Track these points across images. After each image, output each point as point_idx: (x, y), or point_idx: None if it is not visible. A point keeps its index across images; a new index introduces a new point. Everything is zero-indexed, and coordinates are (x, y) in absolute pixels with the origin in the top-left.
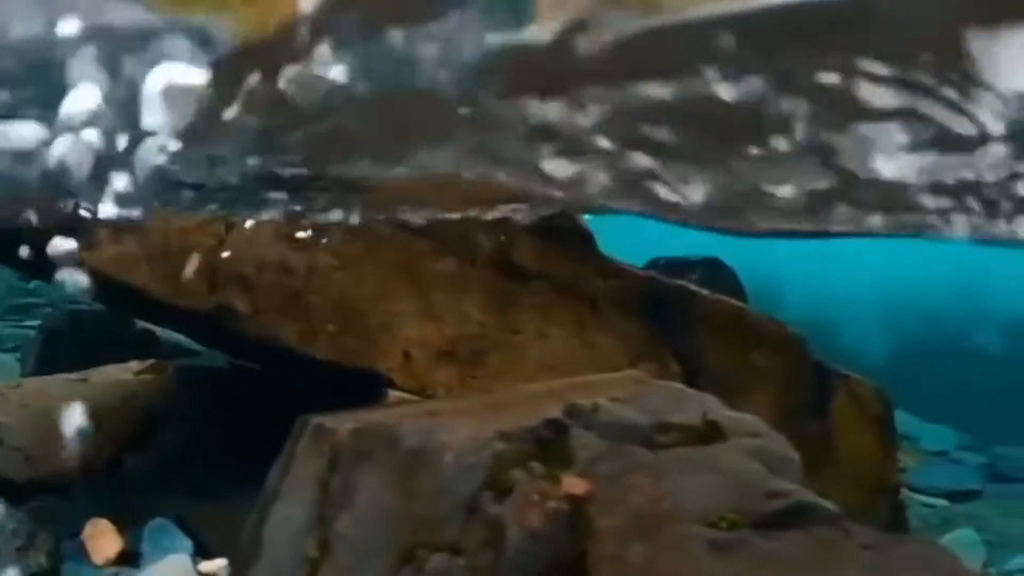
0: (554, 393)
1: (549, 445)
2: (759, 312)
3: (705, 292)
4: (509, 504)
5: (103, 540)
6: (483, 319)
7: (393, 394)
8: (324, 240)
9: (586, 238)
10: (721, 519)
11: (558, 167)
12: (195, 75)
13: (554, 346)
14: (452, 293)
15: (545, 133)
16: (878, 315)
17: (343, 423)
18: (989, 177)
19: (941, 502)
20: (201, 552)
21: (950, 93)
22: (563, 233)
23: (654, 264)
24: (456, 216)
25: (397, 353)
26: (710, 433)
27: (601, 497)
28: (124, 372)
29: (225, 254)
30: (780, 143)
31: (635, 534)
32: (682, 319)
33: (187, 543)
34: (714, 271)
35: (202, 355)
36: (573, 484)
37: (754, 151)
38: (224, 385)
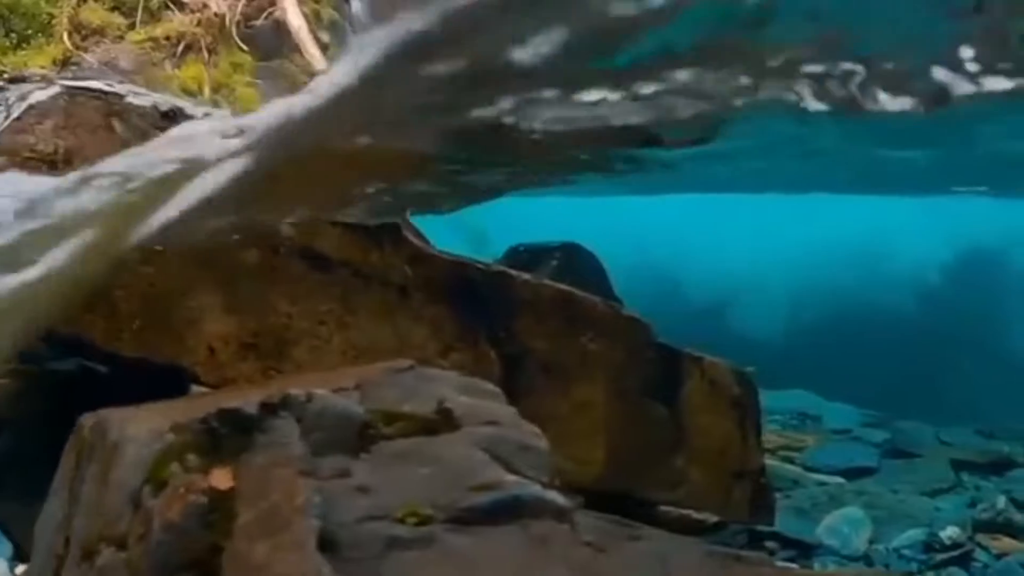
0: (287, 383)
1: (224, 437)
2: (589, 295)
3: (527, 276)
4: (161, 497)
5: None
6: (288, 310)
7: (196, 389)
8: None
9: (391, 225)
10: (409, 514)
11: None
12: None
13: (360, 336)
14: (256, 284)
15: None
16: (779, 292)
17: (90, 420)
18: None
19: (837, 480)
20: (21, 556)
21: None
22: None
23: (514, 251)
24: None
25: (201, 347)
26: (441, 422)
27: (245, 492)
28: None
29: None
30: None
31: (263, 532)
32: (500, 305)
33: (7, 547)
34: (572, 256)
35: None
36: (218, 478)
37: None
38: (69, 388)
